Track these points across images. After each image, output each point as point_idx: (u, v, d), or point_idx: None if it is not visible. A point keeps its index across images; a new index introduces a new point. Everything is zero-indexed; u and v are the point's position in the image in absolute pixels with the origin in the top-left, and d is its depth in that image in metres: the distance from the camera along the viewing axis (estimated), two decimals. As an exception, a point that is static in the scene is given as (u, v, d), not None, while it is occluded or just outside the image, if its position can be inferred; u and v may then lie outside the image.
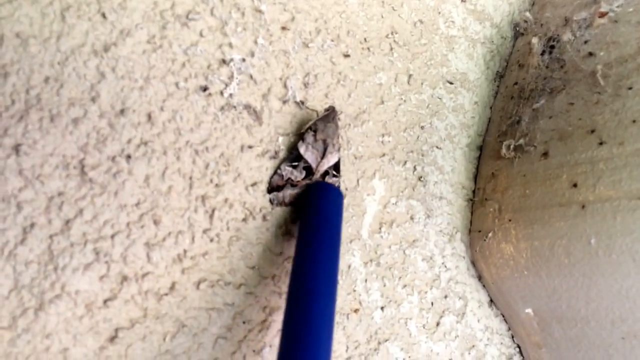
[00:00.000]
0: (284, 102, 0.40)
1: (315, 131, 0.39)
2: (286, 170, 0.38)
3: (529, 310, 0.46)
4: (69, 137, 0.31)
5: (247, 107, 0.38)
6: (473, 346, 0.47)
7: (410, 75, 0.48)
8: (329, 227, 0.36)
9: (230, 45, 0.38)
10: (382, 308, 0.43)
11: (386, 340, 0.42)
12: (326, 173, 0.40)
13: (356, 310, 0.41)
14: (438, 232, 0.47)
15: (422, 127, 0.48)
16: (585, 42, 0.43)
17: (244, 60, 0.38)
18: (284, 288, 0.38)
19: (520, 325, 0.48)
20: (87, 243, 0.31)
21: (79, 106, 0.32)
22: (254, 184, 0.38)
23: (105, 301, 0.31)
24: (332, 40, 0.43)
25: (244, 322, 0.36)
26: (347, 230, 0.42)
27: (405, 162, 0.46)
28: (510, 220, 0.44)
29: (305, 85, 0.41)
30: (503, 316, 0.49)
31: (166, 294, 0.33)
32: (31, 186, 0.30)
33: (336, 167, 0.40)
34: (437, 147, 0.49)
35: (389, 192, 0.45)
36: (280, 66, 0.40)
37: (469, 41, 0.53)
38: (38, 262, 0.30)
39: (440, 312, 0.46)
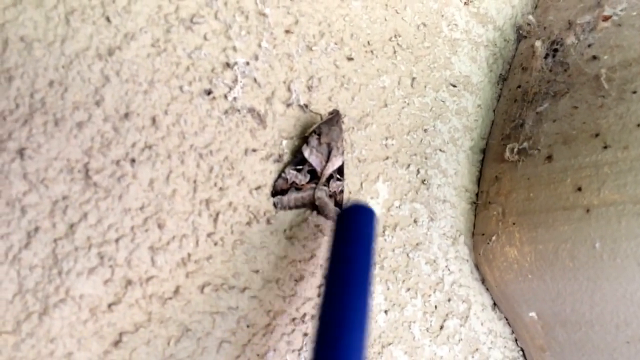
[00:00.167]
0: (288, 105, 0.40)
1: (319, 134, 0.39)
2: (290, 174, 0.38)
3: (532, 314, 0.46)
4: (74, 141, 0.31)
5: (251, 110, 0.38)
6: (477, 350, 0.47)
7: (413, 78, 0.48)
8: (364, 250, 0.35)
9: (234, 48, 0.38)
10: (385, 311, 0.43)
11: (390, 344, 0.42)
12: (330, 177, 0.40)
13: (360, 314, 0.41)
14: (441, 235, 0.47)
15: (425, 130, 0.48)
16: (589, 45, 0.43)
17: (247, 63, 0.38)
18: (288, 292, 0.38)
19: (524, 329, 0.48)
20: (92, 247, 0.31)
21: (83, 110, 0.32)
22: (258, 188, 0.38)
23: (109, 305, 0.31)
24: (336, 44, 0.43)
25: (247, 326, 0.36)
26: (350, 233, 0.42)
27: (409, 165, 0.46)
28: (514, 224, 0.44)
29: (309, 88, 0.41)
30: (507, 319, 0.49)
31: (170, 298, 0.33)
32: (35, 190, 0.30)
33: (340, 170, 0.40)
34: (440, 150, 0.49)
35: (393, 195, 0.45)
36: (284, 69, 0.40)
37: (472, 44, 0.53)
38: (42, 266, 0.30)
39: (444, 316, 0.46)
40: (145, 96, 0.34)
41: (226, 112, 0.37)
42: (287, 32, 0.41)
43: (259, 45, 0.39)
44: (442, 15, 0.51)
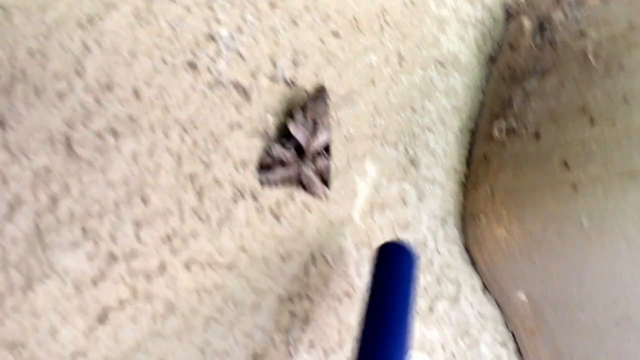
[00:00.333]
0: (273, 80, 0.42)
1: (305, 110, 0.41)
2: (276, 150, 0.40)
3: (522, 296, 0.48)
4: (55, 111, 0.33)
5: (236, 84, 0.40)
6: (466, 332, 0.50)
7: (401, 56, 0.50)
8: (405, 292, 0.36)
9: (218, 20, 0.40)
10: (374, 293, 0.45)
11: (378, 326, 0.45)
12: (317, 153, 0.42)
13: (348, 294, 0.43)
14: (431, 216, 0.50)
15: (413, 110, 0.51)
16: (577, 22, 0.46)
17: (231, 36, 0.40)
18: (275, 270, 0.40)
19: (513, 312, 0.50)
20: (75, 220, 0.33)
21: (64, 80, 0.34)
22: (243, 164, 0.39)
23: (94, 280, 0.33)
24: (322, 19, 0.45)
25: (234, 304, 0.38)
26: (337, 211, 0.44)
27: (397, 145, 0.49)
28: (502, 203, 0.47)
29: (295, 64, 0.43)
30: (497, 302, 0.52)
31: (155, 274, 0.35)
32: (17, 161, 0.31)
33: (327, 147, 0.42)
34: (429, 130, 0.51)
35: (381, 175, 0.47)
36: (269, 44, 0.42)
37: (460, 23, 0.56)
38: (26, 239, 0.31)
39: (433, 298, 0.48)
40: (127, 67, 0.36)
41: (210, 85, 0.39)
42: (272, 5, 0.43)
43: (243, 18, 0.41)
44: (430, -8, 0.53)
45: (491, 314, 0.52)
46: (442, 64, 0.53)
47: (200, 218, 0.37)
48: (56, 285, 0.32)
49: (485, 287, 0.52)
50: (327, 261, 0.43)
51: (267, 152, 0.40)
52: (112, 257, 0.34)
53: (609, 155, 0.40)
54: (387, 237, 0.47)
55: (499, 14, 0.59)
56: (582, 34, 0.45)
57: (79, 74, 0.34)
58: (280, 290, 0.40)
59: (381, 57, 0.49)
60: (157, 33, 0.37)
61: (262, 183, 0.40)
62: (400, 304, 0.35)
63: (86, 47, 0.34)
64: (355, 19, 0.48)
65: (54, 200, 0.32)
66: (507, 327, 0.53)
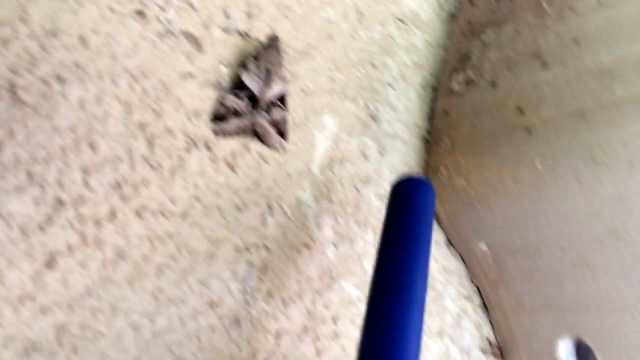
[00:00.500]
0: (227, 32, 0.42)
1: (258, 60, 0.41)
2: (230, 100, 0.40)
3: (483, 246, 0.49)
4: (-3, 57, 0.33)
5: (187, 34, 0.40)
6: (431, 286, 0.51)
7: (359, 12, 0.51)
8: (422, 227, 0.35)
9: (167, -29, 0.40)
10: (335, 245, 0.45)
11: (340, 277, 0.45)
12: (272, 104, 0.42)
13: (307, 246, 0.44)
14: (392, 170, 0.50)
15: (373, 65, 0.51)
16: (531, -30, 0.47)
17: (182, -13, 0.40)
18: (231, 220, 0.40)
19: (476, 264, 0.51)
20: (20, 165, 0.33)
21: (7, 26, 0.34)
22: (196, 114, 0.40)
23: (40, 225, 0.33)
24: (277, -28, 0.45)
25: (188, 253, 0.38)
26: (295, 163, 0.44)
27: (357, 100, 0.49)
28: (461, 154, 0.47)
29: (249, 16, 0.43)
30: (461, 256, 0.53)
31: (105, 221, 0.35)
32: (-43, 104, 0.31)
33: (282, 99, 0.43)
34: (389, 85, 0.52)
35: (340, 129, 0.48)
36: (221, -5, 0.42)
37: (421, -20, 0.56)
38: (-33, 181, 0.31)
39: (395, 250, 0.49)
40: (73, 14, 0.36)
41: (160, 34, 0.39)
42: (223, -44, 0.43)
43: (194, -31, 0.41)
44: (389, -51, 0.54)
45: (455, 268, 0.53)
46: (402, 21, 0.54)
47: (151, 166, 0.37)
48: (2, 229, 0.32)
49: (449, 242, 0.53)
50: (284, 212, 0.43)
51: (221, 102, 0.40)
52: (60, 203, 0.34)
53: (561, 96, 0.41)
54: (348, 192, 0.47)
55: (462, -28, 0.59)
56: (536, -19, 0.46)
57: (23, 20, 0.34)
58: (236, 240, 0.41)
59: (339, 12, 0.49)
60: (103, -19, 0.37)
61: (216, 133, 0.40)
62: (423, 244, 0.34)
63: (28, -7, 0.34)
64: (311, -27, 0.48)
65: (-3, 145, 0.32)
66: (472, 281, 0.54)
